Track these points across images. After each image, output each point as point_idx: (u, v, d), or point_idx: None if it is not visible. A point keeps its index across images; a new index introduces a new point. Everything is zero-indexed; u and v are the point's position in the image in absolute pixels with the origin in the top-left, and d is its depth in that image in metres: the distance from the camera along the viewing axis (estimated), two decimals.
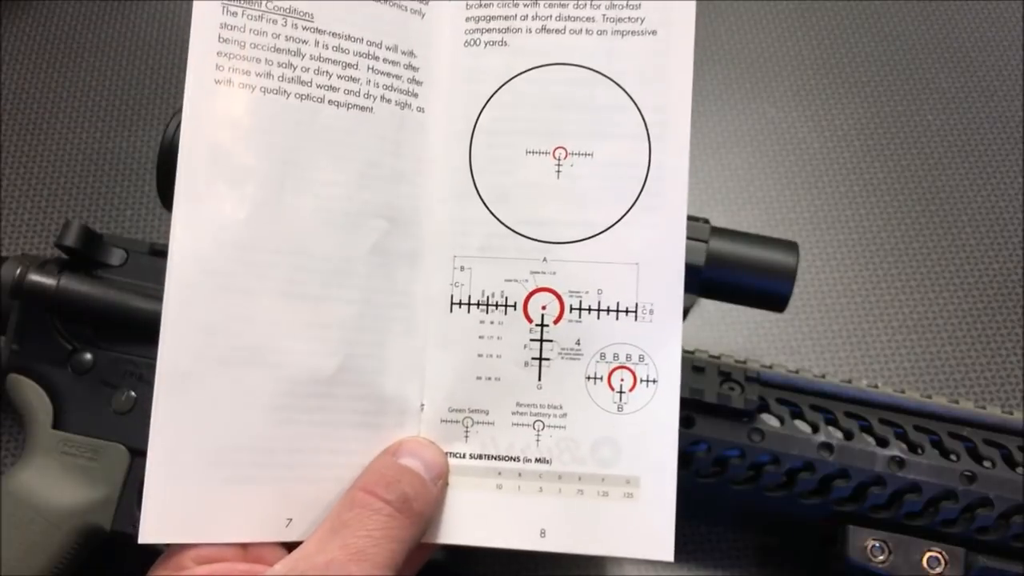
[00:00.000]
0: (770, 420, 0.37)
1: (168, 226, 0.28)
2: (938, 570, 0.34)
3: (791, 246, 0.34)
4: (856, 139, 0.53)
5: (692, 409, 0.36)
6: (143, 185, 0.50)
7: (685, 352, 0.38)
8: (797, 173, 0.52)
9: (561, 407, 0.30)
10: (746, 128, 0.53)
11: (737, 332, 0.47)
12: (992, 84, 0.55)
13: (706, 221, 0.34)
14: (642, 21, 0.30)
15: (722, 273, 0.33)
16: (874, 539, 0.35)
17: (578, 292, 0.30)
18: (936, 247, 0.50)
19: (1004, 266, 0.50)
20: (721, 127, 0.53)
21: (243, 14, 0.29)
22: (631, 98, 0.30)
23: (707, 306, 0.48)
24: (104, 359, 0.36)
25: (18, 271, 0.36)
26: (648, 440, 0.29)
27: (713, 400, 0.36)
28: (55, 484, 0.35)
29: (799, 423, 0.37)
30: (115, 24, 0.55)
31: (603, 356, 0.30)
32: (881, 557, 0.35)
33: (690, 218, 0.34)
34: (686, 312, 0.34)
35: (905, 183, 0.52)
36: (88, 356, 0.36)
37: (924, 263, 0.50)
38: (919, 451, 0.36)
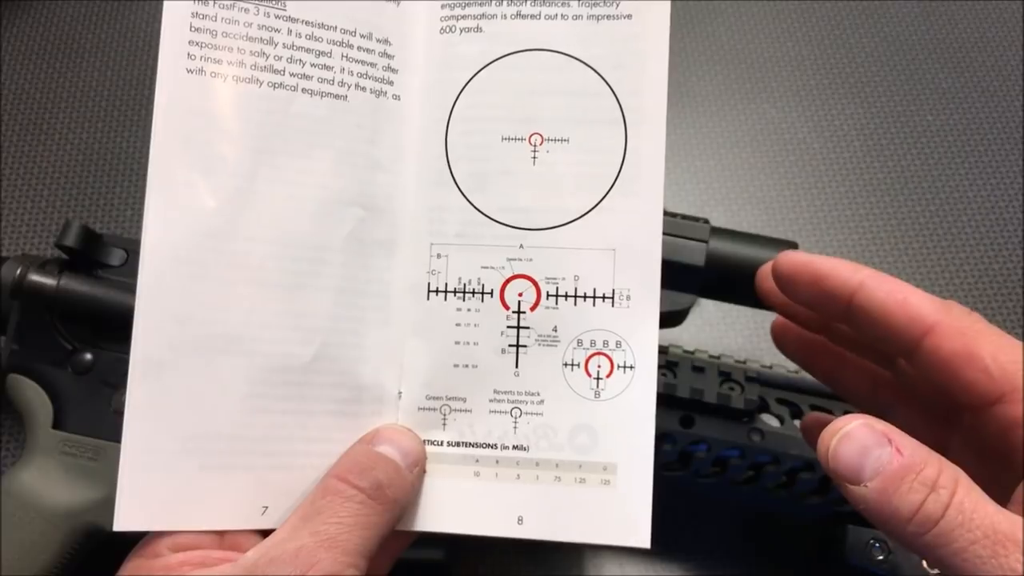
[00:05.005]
0: (770, 420, 0.37)
1: None
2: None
3: (791, 246, 0.34)
4: (856, 139, 0.53)
5: (692, 409, 0.37)
6: (143, 185, 0.50)
7: (685, 352, 0.38)
8: (797, 173, 0.52)
9: (538, 394, 0.29)
10: (746, 128, 0.53)
11: (737, 332, 0.47)
12: (992, 84, 0.55)
13: (706, 221, 0.34)
14: (617, 5, 0.30)
15: (722, 273, 0.33)
16: (874, 539, 0.35)
17: (555, 279, 0.30)
18: (936, 247, 0.50)
19: (1004, 266, 0.50)
20: (721, 127, 0.53)
21: (215, 3, 0.29)
22: (607, 83, 0.30)
23: (707, 306, 0.48)
24: (104, 359, 0.36)
25: (18, 271, 0.36)
26: (625, 427, 0.29)
27: (713, 400, 0.36)
28: (55, 484, 0.35)
29: (799, 423, 0.37)
30: (115, 24, 0.55)
31: (580, 343, 0.30)
32: (881, 557, 0.35)
33: (690, 218, 0.34)
34: (686, 312, 0.34)
35: (905, 183, 0.52)
36: (88, 356, 0.36)
37: (924, 263, 0.50)
38: None
